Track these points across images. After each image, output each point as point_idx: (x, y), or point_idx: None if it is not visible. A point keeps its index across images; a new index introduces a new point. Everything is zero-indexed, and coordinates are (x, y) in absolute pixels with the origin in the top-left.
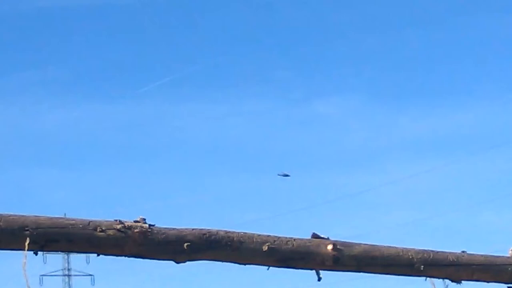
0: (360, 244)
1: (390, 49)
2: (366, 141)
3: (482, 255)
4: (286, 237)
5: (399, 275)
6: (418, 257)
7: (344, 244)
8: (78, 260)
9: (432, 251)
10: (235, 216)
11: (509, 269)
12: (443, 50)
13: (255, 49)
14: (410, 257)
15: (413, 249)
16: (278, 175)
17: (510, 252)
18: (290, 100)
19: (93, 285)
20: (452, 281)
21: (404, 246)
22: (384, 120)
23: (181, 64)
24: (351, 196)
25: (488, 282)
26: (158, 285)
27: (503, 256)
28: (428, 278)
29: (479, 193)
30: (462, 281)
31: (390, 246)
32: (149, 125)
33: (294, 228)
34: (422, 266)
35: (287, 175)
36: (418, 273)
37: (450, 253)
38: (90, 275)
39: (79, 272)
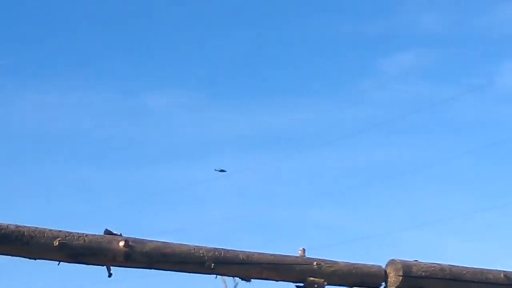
0: (153, 241)
1: (223, 47)
2: (197, 136)
3: (271, 254)
4: (78, 233)
5: (190, 272)
6: (209, 255)
7: (136, 240)
8: None
9: (223, 249)
10: (54, 208)
11: (297, 268)
12: (276, 49)
13: (85, 39)
14: (202, 255)
15: (205, 247)
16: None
17: (300, 251)
18: (122, 92)
19: None
20: (242, 279)
21: (197, 244)
22: (216, 115)
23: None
24: (179, 189)
25: (277, 280)
26: None
27: (292, 256)
28: (218, 276)
29: (309, 190)
30: (252, 279)
31: (182, 244)
32: None
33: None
34: (213, 264)
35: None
36: (209, 271)
37: (241, 251)
38: None
39: None
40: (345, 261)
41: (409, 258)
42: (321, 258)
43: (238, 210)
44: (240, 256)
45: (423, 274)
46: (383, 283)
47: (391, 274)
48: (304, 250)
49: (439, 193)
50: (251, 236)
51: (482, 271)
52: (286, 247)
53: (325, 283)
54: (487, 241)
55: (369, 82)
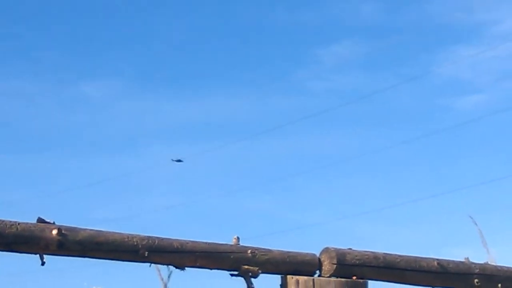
0: (86, 229)
1: (158, 35)
2: (133, 125)
3: (206, 243)
4: (11, 221)
5: (124, 260)
6: (143, 243)
7: (70, 229)
8: None
9: (157, 237)
10: None
11: (232, 256)
12: (211, 38)
13: (19, 28)
14: (135, 243)
15: (139, 235)
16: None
17: (234, 240)
18: (57, 81)
19: None
20: (176, 267)
21: (131, 232)
22: (152, 104)
23: None
24: (115, 179)
25: (211, 269)
26: None
27: (226, 244)
28: (152, 264)
29: (245, 179)
30: (186, 268)
31: (115, 232)
32: None
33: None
34: (147, 253)
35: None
36: (143, 259)
37: (175, 240)
38: None
39: None
40: (279, 249)
41: (344, 246)
42: (255, 246)
43: (174, 199)
44: (174, 244)
45: (357, 262)
46: (317, 271)
47: (325, 262)
48: (238, 238)
49: (375, 183)
50: (186, 225)
51: (415, 259)
52: (221, 236)
53: (259, 271)
54: (421, 230)
55: (305, 71)
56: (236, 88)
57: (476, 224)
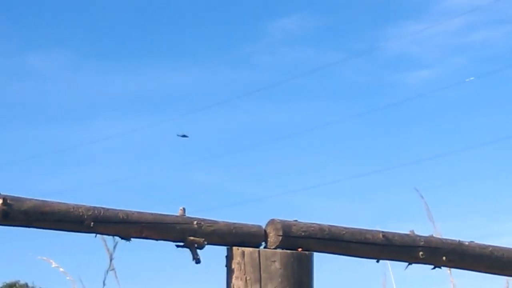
0: (32, 199)
1: (106, 7)
2: (80, 97)
3: (151, 213)
4: None
5: (69, 231)
6: (89, 213)
7: (15, 198)
8: None
9: (103, 208)
10: None
11: (177, 227)
12: (160, 11)
13: None
14: (81, 213)
15: (84, 205)
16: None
17: (180, 211)
18: (3, 52)
19: None
20: (122, 238)
21: (77, 203)
22: (100, 76)
23: None
24: (62, 151)
25: (156, 239)
26: None
27: (172, 215)
28: (98, 235)
29: (192, 152)
30: (132, 239)
31: (61, 202)
32: None
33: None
34: (92, 223)
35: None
36: (88, 230)
37: (120, 210)
38: None
39: None
40: (225, 220)
41: (291, 219)
42: (201, 217)
43: (122, 172)
44: (120, 215)
45: (303, 234)
46: (263, 243)
47: (271, 234)
48: (184, 209)
49: (324, 156)
50: (133, 199)
51: (361, 231)
52: (169, 209)
53: (205, 242)
54: (369, 204)
55: (254, 45)
56: (184, 61)
57: (422, 197)
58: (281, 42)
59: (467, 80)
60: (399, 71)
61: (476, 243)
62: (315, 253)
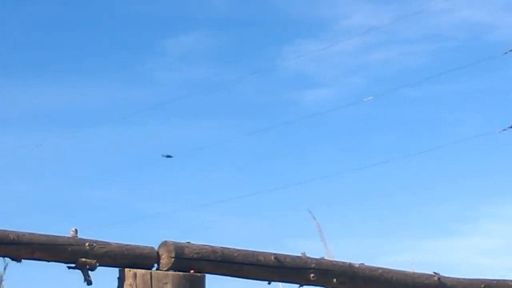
0: None
1: (8, 20)
2: None
3: (43, 235)
4: None
5: None
6: None
7: None
8: None
9: None
10: None
11: (69, 249)
12: (62, 24)
13: None
14: None
15: None
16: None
17: (72, 232)
18: None
19: None
20: (13, 259)
21: None
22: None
23: None
24: None
25: (48, 261)
26: None
27: (64, 236)
28: None
29: (89, 169)
30: (23, 260)
31: None
32: None
33: None
34: None
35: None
36: None
37: (11, 231)
38: None
39: None
40: (117, 242)
41: (190, 238)
42: (93, 239)
43: (15, 190)
44: (10, 236)
45: (195, 256)
46: (156, 265)
47: (163, 256)
48: (76, 230)
49: (221, 174)
50: (27, 217)
51: (253, 253)
52: (62, 227)
53: (97, 264)
54: (265, 222)
55: (152, 62)
56: (83, 77)
57: (314, 218)
58: (180, 58)
59: (365, 99)
60: (297, 90)
61: (366, 265)
62: (207, 275)
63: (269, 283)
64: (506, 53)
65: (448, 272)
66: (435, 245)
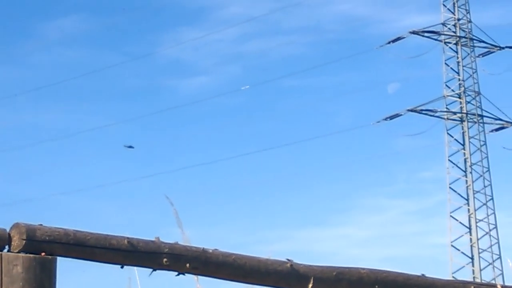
0: None
1: None
2: None
3: None
4: None
5: None
6: None
7: None
8: None
9: None
10: None
11: None
12: None
13: None
14: None
15: None
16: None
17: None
18: None
19: None
20: None
21: None
22: None
23: None
24: None
25: None
26: None
27: None
28: None
29: None
30: None
31: None
32: None
33: None
34: None
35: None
36: None
37: None
38: None
39: None
40: None
41: (57, 222)
42: None
43: None
44: None
45: (47, 238)
46: (7, 246)
47: (14, 238)
48: None
49: (99, 159)
50: None
51: (106, 237)
52: None
53: None
54: (146, 207)
55: (29, 45)
56: None
57: (172, 204)
58: (57, 42)
59: (242, 88)
60: (175, 77)
61: (220, 251)
62: (59, 258)
63: (121, 267)
64: (382, 46)
65: (321, 262)
66: (308, 234)
